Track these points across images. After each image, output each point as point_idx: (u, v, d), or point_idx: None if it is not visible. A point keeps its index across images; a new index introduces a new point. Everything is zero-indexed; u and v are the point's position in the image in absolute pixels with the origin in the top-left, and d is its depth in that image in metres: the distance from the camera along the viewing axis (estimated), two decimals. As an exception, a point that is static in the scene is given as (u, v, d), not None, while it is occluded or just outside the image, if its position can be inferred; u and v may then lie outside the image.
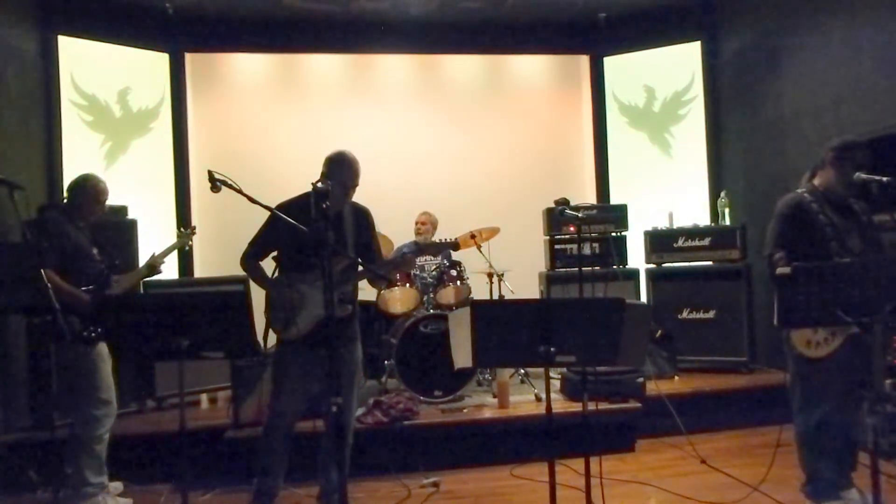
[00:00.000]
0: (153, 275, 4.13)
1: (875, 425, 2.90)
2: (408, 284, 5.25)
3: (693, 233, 5.79)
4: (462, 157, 7.07)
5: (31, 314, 4.33)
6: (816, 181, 3.39)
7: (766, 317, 5.27)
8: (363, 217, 3.58)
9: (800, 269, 2.75)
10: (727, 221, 5.85)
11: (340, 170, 3.39)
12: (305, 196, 3.25)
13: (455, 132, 7.11)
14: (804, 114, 5.40)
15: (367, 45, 6.76)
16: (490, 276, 5.74)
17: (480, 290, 5.76)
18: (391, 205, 6.04)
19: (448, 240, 3.56)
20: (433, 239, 6.05)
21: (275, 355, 3.50)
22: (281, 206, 3.30)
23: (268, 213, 3.12)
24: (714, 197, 6.29)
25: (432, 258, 5.88)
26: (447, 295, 5.29)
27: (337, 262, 3.28)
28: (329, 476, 3.49)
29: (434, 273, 5.41)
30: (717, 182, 6.47)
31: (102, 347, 3.70)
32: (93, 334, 3.59)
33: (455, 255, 5.83)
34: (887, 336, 3.97)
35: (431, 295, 5.37)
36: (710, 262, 5.75)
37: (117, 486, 3.99)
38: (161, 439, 4.39)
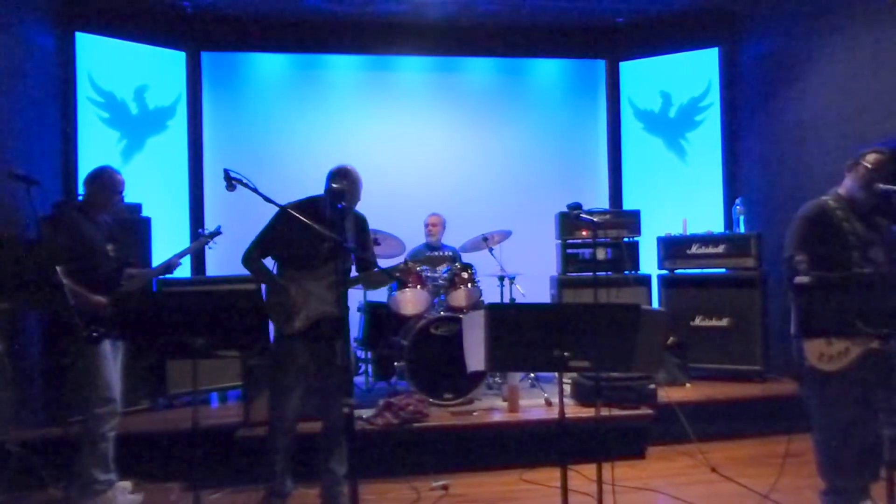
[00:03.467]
0: (168, 273, 4.14)
1: (893, 437, 2.87)
2: (419, 286, 5.24)
3: (707, 240, 5.75)
4: (475, 159, 7.05)
5: (47, 311, 4.34)
6: (841, 190, 3.35)
7: (780, 325, 5.21)
8: (361, 222, 3.79)
9: (819, 279, 2.73)
10: (742, 229, 5.81)
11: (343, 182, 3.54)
12: (309, 199, 3.56)
13: (469, 135, 7.09)
14: (825, 122, 5.35)
15: (384, 47, 6.77)
16: (501, 279, 5.74)
17: (491, 293, 5.75)
18: (404, 206, 6.06)
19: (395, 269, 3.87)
20: (441, 240, 6.11)
21: (273, 350, 3.57)
22: (287, 208, 3.38)
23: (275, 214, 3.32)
24: (729, 204, 6.25)
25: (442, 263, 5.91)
26: (458, 297, 5.27)
27: (342, 262, 3.49)
28: (328, 474, 3.60)
29: (446, 275, 5.41)
30: (733, 189, 6.44)
31: (105, 346, 3.69)
32: (94, 334, 3.61)
33: (466, 258, 5.83)
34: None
35: (443, 297, 5.37)
36: (724, 270, 5.71)
37: (126, 485, 3.97)
38: (172, 437, 4.40)
